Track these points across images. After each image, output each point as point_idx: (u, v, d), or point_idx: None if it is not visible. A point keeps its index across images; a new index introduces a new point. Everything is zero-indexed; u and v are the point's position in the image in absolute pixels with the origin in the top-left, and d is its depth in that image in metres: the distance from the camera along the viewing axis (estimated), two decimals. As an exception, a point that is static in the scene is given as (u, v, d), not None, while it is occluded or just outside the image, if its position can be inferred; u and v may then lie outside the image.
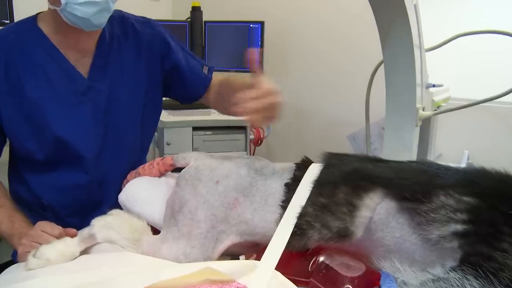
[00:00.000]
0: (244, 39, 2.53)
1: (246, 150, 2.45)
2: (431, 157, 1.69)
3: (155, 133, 2.46)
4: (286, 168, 0.81)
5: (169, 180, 0.94)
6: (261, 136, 2.54)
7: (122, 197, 0.93)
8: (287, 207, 0.73)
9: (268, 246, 0.68)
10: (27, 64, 1.01)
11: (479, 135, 1.82)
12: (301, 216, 0.70)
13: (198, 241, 0.78)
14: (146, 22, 1.18)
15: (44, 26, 1.03)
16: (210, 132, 2.38)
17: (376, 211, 0.67)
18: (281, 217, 0.72)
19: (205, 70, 1.24)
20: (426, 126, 1.60)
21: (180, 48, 1.22)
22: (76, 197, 1.09)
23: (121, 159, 1.11)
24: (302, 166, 0.79)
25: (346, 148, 2.08)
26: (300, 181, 0.75)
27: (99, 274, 0.73)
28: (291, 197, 0.73)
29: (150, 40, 1.16)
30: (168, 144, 2.33)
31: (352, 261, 0.68)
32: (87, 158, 1.07)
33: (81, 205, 1.09)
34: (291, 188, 0.76)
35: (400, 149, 1.36)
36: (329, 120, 2.60)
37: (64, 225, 0.94)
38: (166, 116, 2.35)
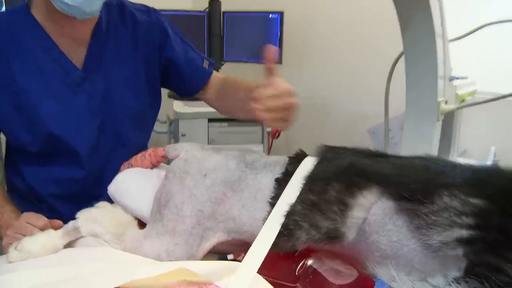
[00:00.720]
0: (263, 30, 2.48)
1: (263, 143, 2.40)
2: (455, 153, 1.60)
3: (171, 125, 2.44)
4: (279, 162, 0.74)
5: (161, 172, 0.89)
6: (279, 128, 2.48)
7: (111, 189, 0.88)
8: (276, 204, 0.66)
9: (252, 246, 0.62)
10: (19, 54, 0.97)
11: (507, 131, 1.72)
12: (289, 214, 0.63)
13: (182, 237, 0.72)
14: (146, 11, 1.14)
15: (37, 13, 0.99)
16: (226, 124, 2.33)
17: (371, 211, 0.60)
18: (269, 215, 0.66)
19: (206, 65, 1.20)
20: (449, 121, 1.52)
21: (180, 40, 1.18)
22: (72, 190, 1.06)
23: (119, 153, 1.07)
24: (295, 160, 0.72)
25: (367, 141, 2.01)
26: (292, 176, 0.68)
27: (76, 270, 0.69)
28: (281, 194, 0.67)
29: (149, 30, 1.11)
30: (183, 135, 2.30)
31: (343, 266, 0.61)
32: (82, 153, 1.03)
33: (77, 197, 1.06)
34: (281, 183, 0.69)
35: (420, 144, 1.29)
36: (349, 113, 2.52)
37: (60, 216, 0.90)
38: (181, 107, 2.31)
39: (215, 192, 0.73)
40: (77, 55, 1.02)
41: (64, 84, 1.01)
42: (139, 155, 0.93)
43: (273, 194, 0.69)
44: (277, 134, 2.51)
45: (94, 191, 1.06)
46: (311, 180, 0.66)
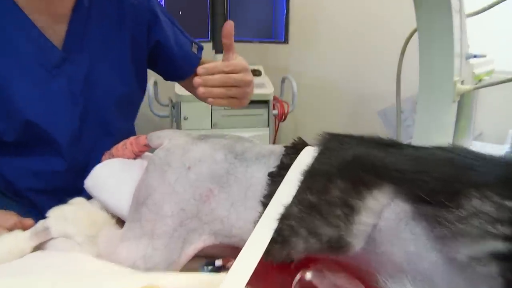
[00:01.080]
0: (269, 8, 2.38)
1: (269, 126, 2.33)
2: (470, 136, 1.51)
3: (173, 108, 2.35)
4: (274, 152, 0.64)
5: (144, 163, 0.79)
6: (286, 111, 2.38)
7: (88, 182, 0.78)
8: (268, 203, 0.56)
9: (239, 255, 0.52)
10: None
11: (527, 113, 1.64)
12: (283, 218, 0.53)
13: (162, 241, 0.62)
14: None
15: None
16: (229, 107, 2.24)
17: (383, 216, 0.49)
18: (260, 216, 0.56)
19: (195, 49, 1.13)
20: (466, 102, 1.42)
21: (170, 22, 1.09)
22: (53, 183, 0.97)
23: (105, 142, 0.97)
24: (293, 151, 0.61)
25: (377, 124, 1.94)
26: (287, 170, 0.58)
27: (35, 282, 0.59)
28: (275, 192, 0.56)
29: (136, 6, 1.01)
30: (185, 119, 2.24)
31: (348, 282, 0.51)
32: (63, 143, 0.94)
33: (60, 191, 0.96)
34: (275, 179, 0.58)
35: (434, 127, 1.23)
36: (359, 94, 2.44)
37: (41, 213, 0.81)
38: (183, 89, 2.22)
39: (200, 188, 0.63)
40: (55, 33, 0.92)
41: (41, 65, 0.91)
42: (120, 143, 0.84)
43: (266, 192, 0.59)
44: (283, 117, 2.42)
45: (78, 185, 0.96)
46: (310, 176, 0.55)
